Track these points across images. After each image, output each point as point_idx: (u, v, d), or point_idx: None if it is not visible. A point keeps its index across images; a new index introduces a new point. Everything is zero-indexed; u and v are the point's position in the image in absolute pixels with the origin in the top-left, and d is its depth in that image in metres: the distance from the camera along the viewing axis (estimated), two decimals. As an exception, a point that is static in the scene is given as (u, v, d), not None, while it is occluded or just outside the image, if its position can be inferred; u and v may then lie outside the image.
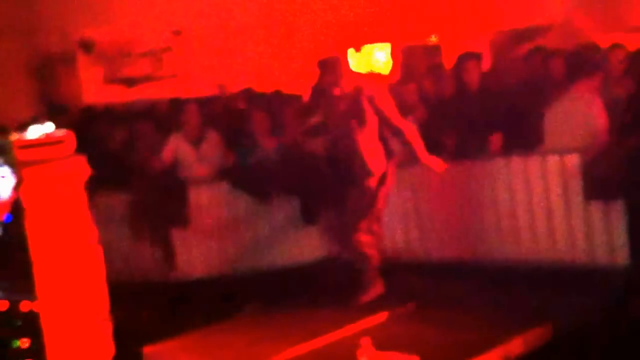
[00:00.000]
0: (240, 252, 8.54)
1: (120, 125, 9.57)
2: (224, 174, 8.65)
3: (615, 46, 8.83)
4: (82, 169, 5.88)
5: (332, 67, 7.32)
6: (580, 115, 7.24)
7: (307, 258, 8.52)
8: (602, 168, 7.00)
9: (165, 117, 9.91)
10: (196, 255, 8.49)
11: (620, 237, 6.94)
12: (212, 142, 8.83)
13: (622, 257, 6.92)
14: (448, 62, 13.87)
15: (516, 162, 7.55)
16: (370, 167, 7.09)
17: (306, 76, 11.28)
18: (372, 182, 7.10)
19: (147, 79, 13.54)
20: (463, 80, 8.35)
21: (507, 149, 7.76)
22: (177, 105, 9.77)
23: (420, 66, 12.94)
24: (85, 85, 13.14)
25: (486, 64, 11.18)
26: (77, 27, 13.15)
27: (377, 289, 7.13)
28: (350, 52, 14.35)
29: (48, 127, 5.86)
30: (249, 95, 10.58)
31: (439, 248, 7.95)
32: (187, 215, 8.42)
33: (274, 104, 9.77)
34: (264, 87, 11.18)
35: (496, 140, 7.93)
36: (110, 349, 5.89)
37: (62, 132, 5.88)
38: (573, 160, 7.20)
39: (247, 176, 8.57)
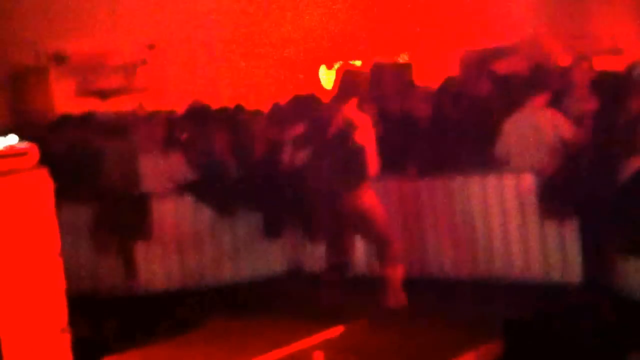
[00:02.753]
0: (202, 266, 8.64)
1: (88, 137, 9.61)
2: (187, 188, 8.74)
3: (581, 58, 8.98)
4: (45, 181, 5.95)
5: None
6: (538, 130, 7.38)
7: (269, 272, 8.64)
8: (557, 187, 7.14)
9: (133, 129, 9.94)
10: (158, 268, 8.55)
11: (575, 255, 7.08)
12: (177, 156, 8.93)
13: (575, 275, 7.07)
14: (419, 79, 14.06)
15: (474, 180, 7.71)
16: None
17: (275, 91, 11.43)
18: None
19: (121, 91, 13.58)
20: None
21: (469, 168, 7.91)
22: (146, 118, 9.83)
23: (390, 84, 13.06)
24: (57, 98, 13.16)
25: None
26: (50, 39, 13.17)
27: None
28: (322, 69, 14.50)
29: (11, 139, 5.92)
30: (214, 111, 10.63)
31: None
32: (150, 229, 8.51)
33: (240, 119, 9.88)
34: (233, 102, 11.24)
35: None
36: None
37: (26, 144, 5.95)
38: (529, 180, 7.36)
39: (210, 190, 8.66)
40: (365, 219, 7.20)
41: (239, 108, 10.38)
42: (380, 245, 7.27)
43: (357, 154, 7.07)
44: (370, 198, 7.24)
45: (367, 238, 7.45)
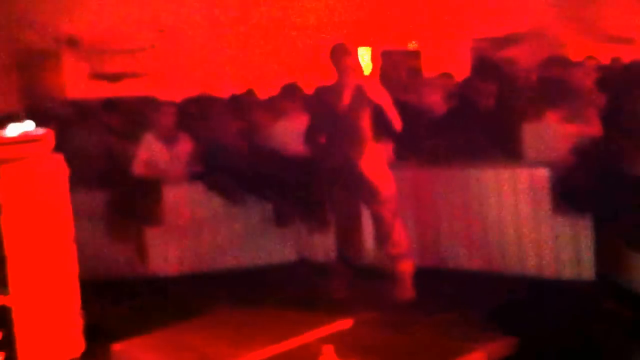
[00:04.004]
0: (212, 252, 8.66)
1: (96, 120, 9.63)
2: (198, 175, 8.75)
3: (588, 58, 8.94)
4: (60, 167, 5.98)
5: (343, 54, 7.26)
6: (549, 139, 7.37)
7: (278, 260, 8.66)
8: (571, 182, 7.12)
9: (138, 114, 9.97)
10: (169, 253, 8.61)
11: (587, 251, 7.07)
12: (184, 143, 8.93)
13: (588, 271, 7.06)
14: (427, 67, 14.06)
15: (487, 173, 7.68)
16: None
17: (285, 77, 11.40)
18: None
19: (131, 75, 13.59)
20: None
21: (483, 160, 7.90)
22: (152, 104, 9.82)
23: (398, 70, 13.06)
24: (69, 81, 13.19)
25: (465, 72, 11.31)
26: (63, 22, 13.18)
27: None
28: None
29: (27, 125, 5.94)
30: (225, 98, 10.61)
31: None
32: (161, 214, 8.53)
33: (248, 105, 9.88)
34: (242, 88, 11.24)
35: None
36: (81, 344, 5.99)
37: (41, 130, 5.97)
38: (542, 174, 7.33)
39: (220, 178, 8.67)
40: (376, 192, 7.14)
41: (250, 93, 10.34)
42: (385, 230, 7.20)
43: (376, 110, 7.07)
44: (383, 170, 7.22)
45: (375, 217, 7.32)
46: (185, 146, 8.94)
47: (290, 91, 9.58)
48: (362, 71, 7.29)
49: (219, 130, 9.11)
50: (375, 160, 7.21)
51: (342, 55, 7.23)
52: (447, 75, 10.24)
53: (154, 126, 8.95)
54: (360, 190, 7.23)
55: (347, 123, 7.17)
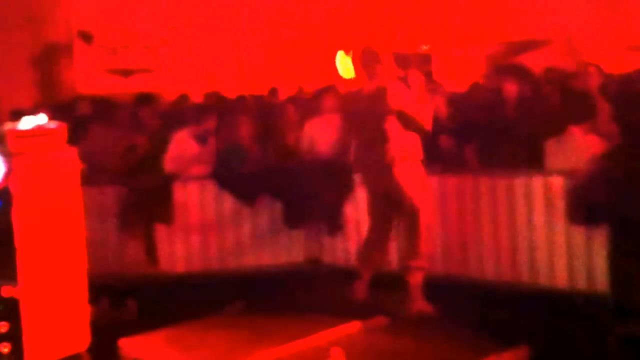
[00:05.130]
0: (222, 251, 8.67)
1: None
2: (211, 174, 8.76)
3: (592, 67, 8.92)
4: (73, 161, 6.00)
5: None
6: (568, 148, 7.34)
7: (288, 261, 8.66)
8: (587, 193, 7.01)
9: (169, 110, 9.98)
10: (179, 251, 8.58)
11: (602, 263, 6.95)
12: (212, 143, 8.94)
13: (601, 283, 6.95)
14: (437, 71, 14.07)
15: (501, 182, 7.59)
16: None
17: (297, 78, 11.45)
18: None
19: (143, 71, 13.66)
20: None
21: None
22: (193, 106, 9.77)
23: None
24: (81, 75, 13.27)
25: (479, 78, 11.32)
26: (77, 18, 13.26)
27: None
28: (340, 54, 14.45)
29: (41, 119, 5.96)
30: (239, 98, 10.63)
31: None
32: (172, 212, 8.54)
33: (265, 107, 9.89)
34: (257, 88, 11.28)
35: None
36: (87, 338, 6.01)
37: (55, 124, 6.00)
38: (558, 183, 7.23)
39: (233, 178, 8.68)
40: (408, 202, 7.00)
41: (272, 92, 10.32)
42: (412, 238, 7.07)
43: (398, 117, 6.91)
44: (417, 179, 7.07)
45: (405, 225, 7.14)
46: (212, 145, 8.92)
47: (318, 93, 9.55)
48: (393, 76, 7.12)
49: (236, 130, 9.09)
50: (408, 169, 7.02)
51: (372, 61, 7.07)
52: (460, 81, 10.22)
53: (190, 125, 8.91)
54: (391, 199, 7.10)
55: (374, 128, 7.02)
